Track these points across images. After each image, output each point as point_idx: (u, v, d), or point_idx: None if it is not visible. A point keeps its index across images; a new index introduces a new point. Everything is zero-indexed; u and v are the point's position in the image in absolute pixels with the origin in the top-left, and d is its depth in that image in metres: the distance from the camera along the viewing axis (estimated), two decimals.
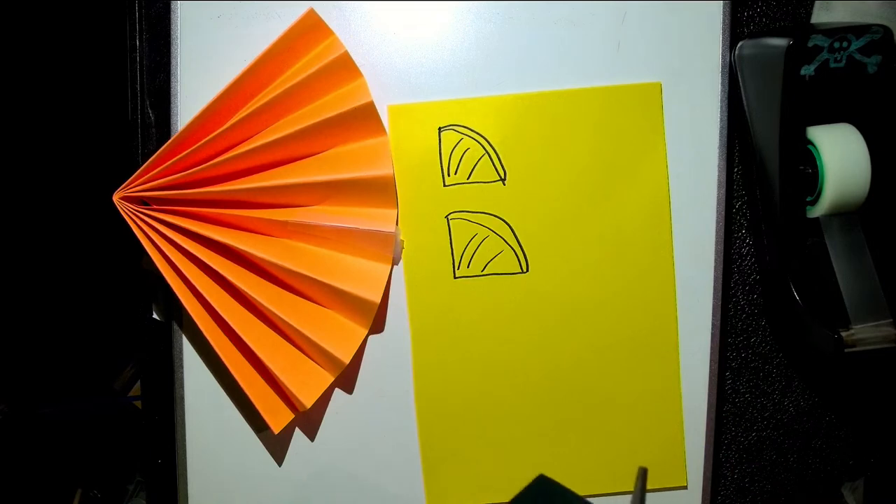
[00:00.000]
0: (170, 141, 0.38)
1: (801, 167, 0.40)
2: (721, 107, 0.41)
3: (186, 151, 0.37)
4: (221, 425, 0.42)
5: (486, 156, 0.41)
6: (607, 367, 0.42)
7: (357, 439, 0.43)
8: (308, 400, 0.39)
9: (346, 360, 0.40)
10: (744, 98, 0.41)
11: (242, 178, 0.39)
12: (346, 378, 0.42)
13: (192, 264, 0.39)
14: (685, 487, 0.43)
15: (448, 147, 0.41)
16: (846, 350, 0.38)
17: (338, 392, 0.42)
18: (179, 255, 0.38)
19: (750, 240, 0.44)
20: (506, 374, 0.42)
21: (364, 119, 0.40)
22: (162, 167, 0.38)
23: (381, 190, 0.40)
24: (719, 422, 0.44)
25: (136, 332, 0.44)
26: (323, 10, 0.39)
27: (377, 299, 0.40)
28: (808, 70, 0.38)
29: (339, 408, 0.42)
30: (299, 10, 0.39)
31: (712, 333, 0.42)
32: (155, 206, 0.38)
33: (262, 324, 0.40)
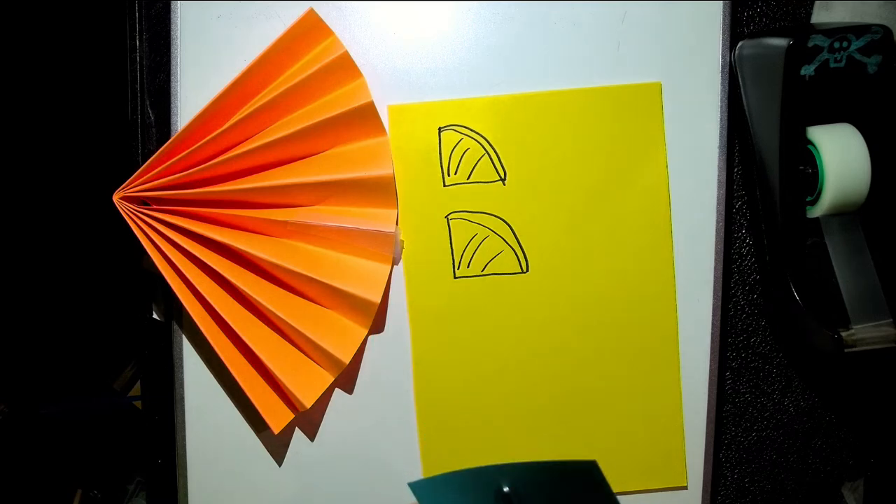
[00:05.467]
0: (170, 141, 0.38)
1: (801, 167, 0.40)
2: (721, 107, 0.41)
3: (186, 151, 0.37)
4: (221, 425, 0.42)
5: (486, 156, 0.41)
6: (607, 367, 0.42)
7: (357, 439, 0.43)
8: (308, 400, 0.39)
9: (346, 360, 0.40)
10: (744, 98, 0.41)
11: (242, 178, 0.39)
12: (346, 378, 0.42)
13: (192, 264, 0.39)
14: (685, 487, 0.43)
15: (448, 147, 0.41)
16: (846, 350, 0.38)
17: (338, 392, 0.42)
18: (179, 255, 0.38)
19: (750, 240, 0.44)
20: (505, 374, 0.42)
21: (364, 119, 0.40)
22: (162, 167, 0.38)
23: (381, 190, 0.40)
24: (719, 422, 0.44)
25: (136, 332, 0.44)
26: (323, 10, 0.39)
27: (377, 299, 0.40)
28: (808, 70, 0.38)
29: (339, 408, 0.43)
30: (299, 10, 0.39)
31: (712, 333, 0.42)
32: (155, 206, 0.38)
33: (262, 324, 0.40)
